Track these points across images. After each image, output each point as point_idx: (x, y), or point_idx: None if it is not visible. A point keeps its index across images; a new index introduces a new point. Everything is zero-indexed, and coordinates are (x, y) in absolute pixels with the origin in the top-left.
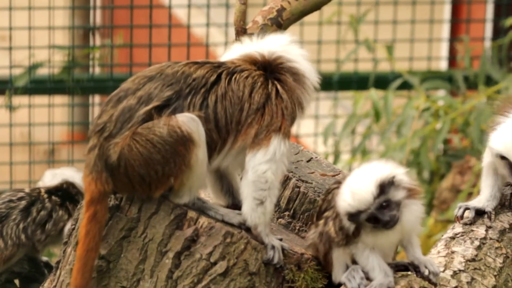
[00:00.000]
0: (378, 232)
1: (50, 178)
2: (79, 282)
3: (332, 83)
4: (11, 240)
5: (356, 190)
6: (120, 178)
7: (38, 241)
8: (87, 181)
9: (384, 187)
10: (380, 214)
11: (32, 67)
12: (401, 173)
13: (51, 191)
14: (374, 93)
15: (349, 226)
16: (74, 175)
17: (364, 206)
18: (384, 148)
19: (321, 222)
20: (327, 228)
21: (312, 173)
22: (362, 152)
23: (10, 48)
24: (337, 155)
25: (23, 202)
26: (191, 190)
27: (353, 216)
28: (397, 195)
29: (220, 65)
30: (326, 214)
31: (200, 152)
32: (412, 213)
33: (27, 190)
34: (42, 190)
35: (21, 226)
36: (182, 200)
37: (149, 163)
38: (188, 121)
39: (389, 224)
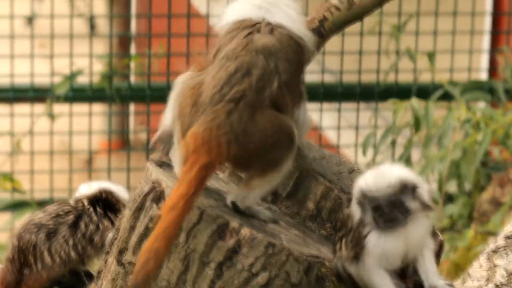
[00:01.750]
0: (384, 235)
1: (87, 188)
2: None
3: (373, 93)
4: (59, 258)
5: (380, 174)
6: (248, 149)
7: (88, 257)
8: (215, 142)
9: (405, 189)
10: (387, 208)
11: (72, 75)
12: (425, 188)
13: (92, 201)
14: (416, 102)
15: (355, 211)
16: (110, 185)
17: (378, 192)
18: (424, 160)
19: (337, 246)
20: (340, 252)
21: None
22: (405, 162)
23: (51, 56)
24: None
25: (71, 217)
26: (261, 194)
27: (364, 198)
28: (411, 204)
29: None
30: (339, 234)
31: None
32: (421, 224)
33: (72, 202)
34: (85, 202)
35: (70, 242)
36: (249, 202)
37: (274, 142)
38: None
39: (390, 221)
